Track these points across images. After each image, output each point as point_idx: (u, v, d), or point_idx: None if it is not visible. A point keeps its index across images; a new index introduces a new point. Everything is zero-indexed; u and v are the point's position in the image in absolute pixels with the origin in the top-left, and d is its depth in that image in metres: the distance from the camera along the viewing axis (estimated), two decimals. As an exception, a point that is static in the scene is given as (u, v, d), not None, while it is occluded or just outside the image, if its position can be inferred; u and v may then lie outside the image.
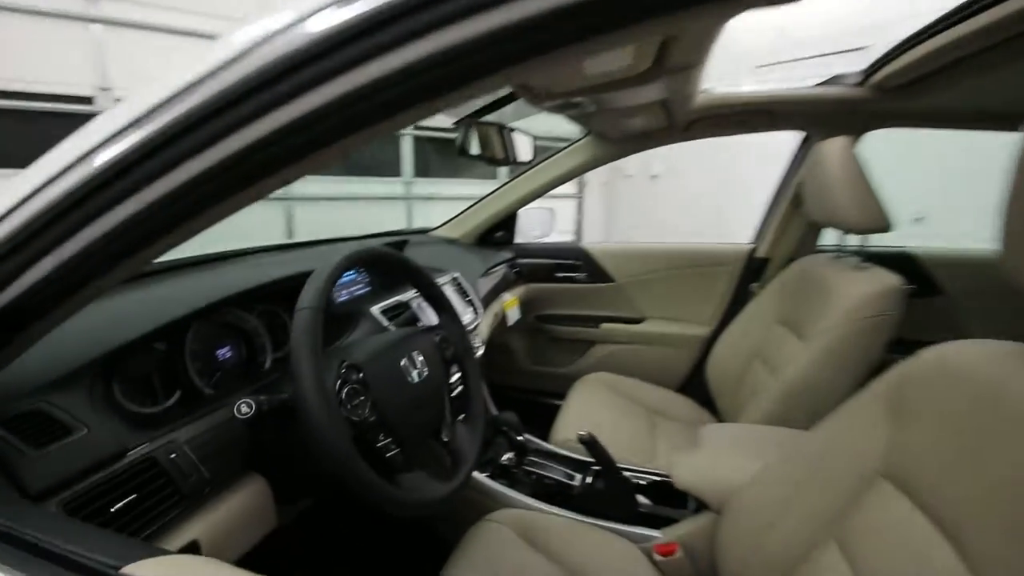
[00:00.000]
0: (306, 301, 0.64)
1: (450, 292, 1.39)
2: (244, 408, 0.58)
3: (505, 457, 1.32)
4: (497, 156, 1.19)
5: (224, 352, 0.93)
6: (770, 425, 1.20)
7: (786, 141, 1.75)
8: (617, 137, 1.67)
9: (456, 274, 1.45)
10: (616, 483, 1.13)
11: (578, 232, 6.33)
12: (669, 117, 1.43)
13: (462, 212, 2.00)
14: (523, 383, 2.17)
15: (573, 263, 2.01)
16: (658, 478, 1.24)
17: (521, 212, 2.03)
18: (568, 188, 6.21)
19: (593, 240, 1.94)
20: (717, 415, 1.63)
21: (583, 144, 1.77)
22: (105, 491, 0.55)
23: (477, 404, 0.92)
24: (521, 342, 2.16)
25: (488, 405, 1.50)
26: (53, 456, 0.54)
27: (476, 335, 1.43)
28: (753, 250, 1.82)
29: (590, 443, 1.08)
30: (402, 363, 0.77)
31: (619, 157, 1.76)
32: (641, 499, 1.19)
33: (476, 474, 1.21)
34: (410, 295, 1.06)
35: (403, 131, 5.02)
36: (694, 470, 1.10)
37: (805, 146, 1.70)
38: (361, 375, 0.70)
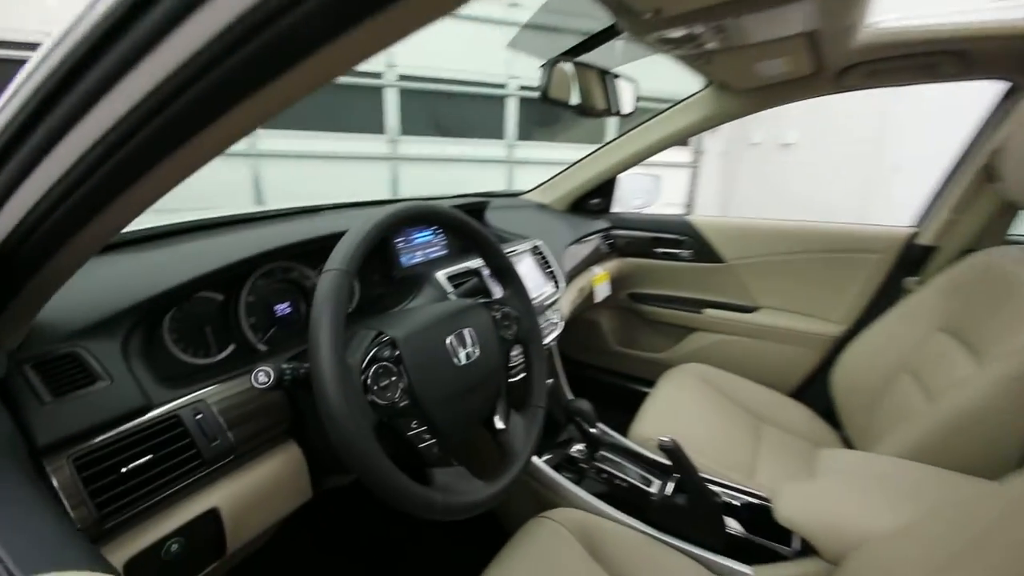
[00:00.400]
0: (334, 262, 0.55)
1: (529, 261, 1.25)
2: (261, 377, 0.51)
3: (575, 449, 1.19)
4: (592, 105, 1.01)
5: (283, 308, 0.89)
6: (919, 462, 0.94)
7: (968, 96, 1.34)
8: (746, 88, 1.39)
9: (539, 242, 1.31)
10: (702, 499, 0.95)
11: (689, 207, 5.83)
12: (818, 59, 1.13)
13: (555, 175, 1.84)
14: (606, 364, 2.00)
15: (677, 238, 1.77)
16: (756, 501, 1.04)
17: (622, 177, 1.82)
18: (681, 156, 5.67)
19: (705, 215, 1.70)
20: (842, 435, 1.34)
21: (702, 98, 1.50)
22: (120, 449, 0.52)
23: (538, 394, 0.79)
24: (609, 321, 1.98)
25: (563, 390, 1.37)
26: (69, 406, 0.51)
27: (555, 310, 1.29)
28: (914, 235, 1.45)
29: (673, 453, 0.91)
30: (448, 341, 0.66)
31: (746, 113, 1.47)
32: (731, 523, 1.00)
33: (538, 462, 1.10)
34: (481, 262, 0.94)
35: (508, 90, 4.89)
36: (806, 503, 0.88)
37: (1008, 101, 1.28)
38: (396, 352, 0.60)
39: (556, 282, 1.29)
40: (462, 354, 0.67)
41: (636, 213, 1.89)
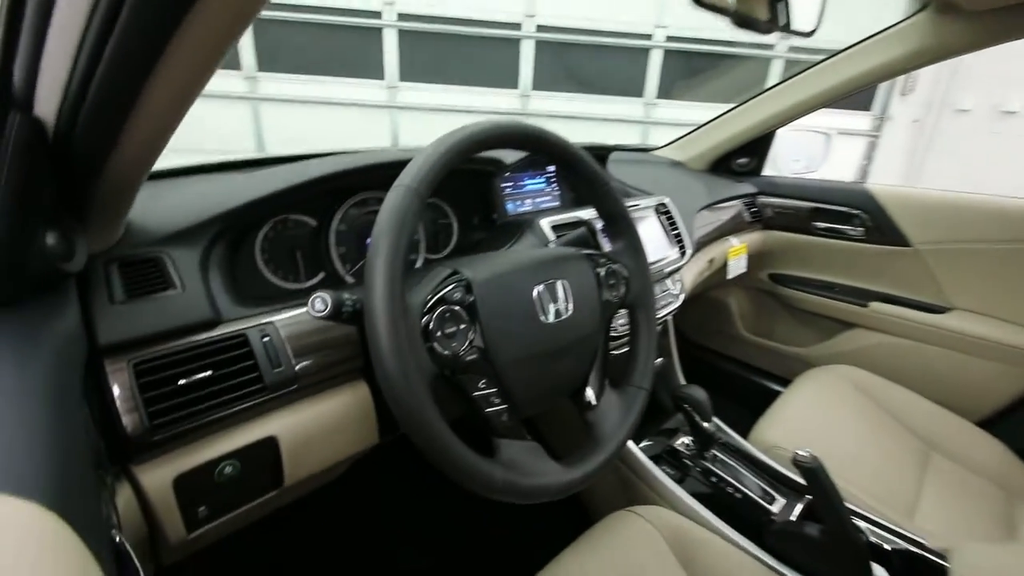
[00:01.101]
0: (403, 178, 0.46)
1: (652, 221, 1.08)
2: (318, 304, 0.45)
3: (681, 442, 1.03)
4: (753, 15, 0.78)
5: (374, 241, 0.85)
6: None
7: None
8: (983, 7, 1.02)
9: (665, 199, 1.12)
10: (842, 534, 0.74)
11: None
12: None
13: (695, 129, 1.59)
14: (730, 353, 1.74)
15: (846, 211, 1.43)
16: (917, 551, 0.80)
17: (781, 133, 1.51)
18: (856, 122, 4.73)
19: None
20: None
21: (909, 26, 1.14)
22: (181, 361, 0.50)
23: (642, 372, 0.65)
24: (740, 303, 1.72)
25: (675, 372, 1.19)
26: (138, 309, 0.50)
27: (677, 280, 1.11)
28: None
29: (813, 472, 0.71)
30: (535, 292, 0.55)
31: (974, 48, 1.09)
32: (878, 570, 0.78)
33: (635, 449, 0.96)
34: (593, 213, 0.80)
35: (653, 41, 4.45)
36: (1000, 571, 0.64)
37: None
38: (471, 297, 0.51)
39: (682, 247, 1.10)
40: (551, 310, 0.55)
41: (793, 178, 1.57)
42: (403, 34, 4.21)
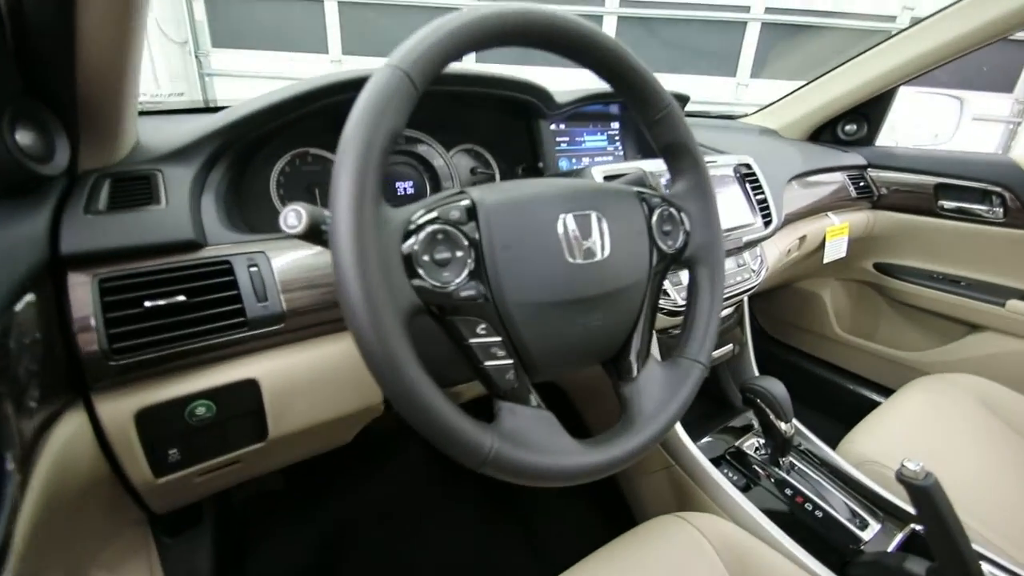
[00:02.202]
0: (393, 58, 0.36)
1: (730, 181, 0.92)
2: (291, 218, 0.37)
3: (750, 444, 0.87)
4: None
5: (406, 187, 0.77)
6: None
7: None
8: None
9: (748, 159, 0.95)
10: (952, 571, 0.56)
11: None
12: None
13: (791, 92, 1.37)
14: (820, 353, 1.51)
15: (984, 188, 1.17)
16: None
17: (904, 92, 1.26)
18: (993, 106, 4.01)
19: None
20: None
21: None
22: (153, 283, 0.44)
23: (699, 343, 0.51)
24: (836, 295, 1.48)
25: (749, 362, 1.02)
26: (111, 222, 0.45)
27: (757, 256, 0.94)
28: None
29: (925, 492, 0.54)
30: (560, 221, 0.43)
31: None
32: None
33: (693, 448, 0.82)
34: (661, 165, 0.65)
35: (752, 14, 4.05)
36: None
37: None
38: (473, 220, 0.40)
39: (767, 217, 0.93)
40: (580, 247, 0.43)
41: (914, 149, 1.32)
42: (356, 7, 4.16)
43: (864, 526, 0.73)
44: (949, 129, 1.33)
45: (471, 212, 0.41)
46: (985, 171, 1.17)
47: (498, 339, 0.40)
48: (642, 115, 0.53)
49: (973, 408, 0.94)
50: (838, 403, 1.41)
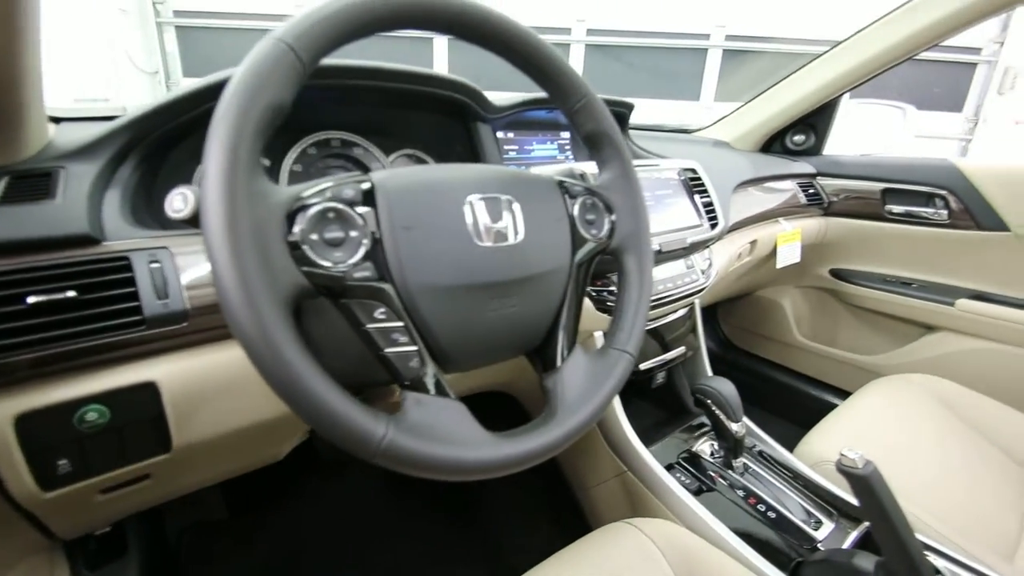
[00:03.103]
0: (278, 30, 0.35)
1: (676, 185, 0.92)
2: (177, 201, 0.35)
3: (703, 447, 0.86)
4: None
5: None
6: None
7: None
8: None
9: (694, 164, 0.96)
10: (904, 569, 0.55)
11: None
12: None
13: (743, 104, 1.41)
14: (782, 360, 1.51)
15: (928, 191, 1.20)
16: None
17: (846, 103, 1.31)
18: (942, 125, 4.20)
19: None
20: None
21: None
22: (39, 278, 0.42)
23: (627, 332, 0.50)
24: (795, 302, 1.49)
25: (703, 366, 1.01)
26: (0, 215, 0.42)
27: (706, 258, 0.95)
28: None
29: (863, 483, 0.53)
30: (467, 203, 0.42)
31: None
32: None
33: (644, 451, 0.80)
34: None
35: (711, 41, 4.22)
36: None
37: None
38: (370, 202, 0.38)
39: (713, 220, 0.93)
40: (490, 230, 0.42)
41: (860, 156, 1.36)
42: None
43: (818, 526, 0.72)
44: (895, 137, 1.38)
45: (369, 193, 0.39)
46: (928, 174, 1.20)
47: (399, 324, 0.38)
48: (561, 104, 0.52)
49: (928, 406, 0.94)
50: (800, 407, 1.41)
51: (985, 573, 0.64)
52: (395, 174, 0.42)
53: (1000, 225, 1.11)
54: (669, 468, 0.80)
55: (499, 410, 0.44)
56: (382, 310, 0.38)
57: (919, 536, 0.68)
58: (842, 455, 0.54)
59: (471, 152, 0.84)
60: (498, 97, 0.82)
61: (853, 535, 0.70)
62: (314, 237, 0.35)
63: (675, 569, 0.58)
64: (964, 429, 0.90)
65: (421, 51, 4.29)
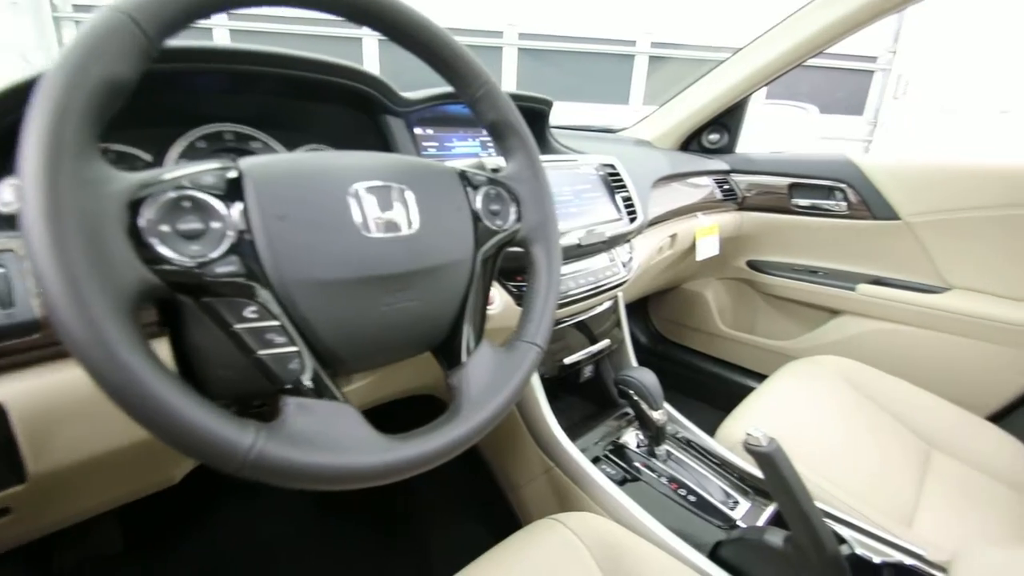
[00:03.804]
0: (121, 3, 0.32)
1: (594, 180, 0.94)
2: (6, 194, 0.30)
3: (628, 438, 0.87)
4: None
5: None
6: None
7: None
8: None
9: (612, 159, 0.98)
10: (808, 541, 0.57)
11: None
12: None
13: (661, 105, 1.46)
14: (711, 351, 1.58)
15: (828, 185, 1.29)
16: (911, 561, 0.64)
17: (755, 108, 1.38)
18: (846, 126, 4.60)
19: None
20: None
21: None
22: None
23: (535, 324, 0.50)
24: (718, 295, 1.56)
25: (628, 358, 1.03)
26: None
27: (627, 250, 0.96)
28: None
29: (767, 460, 0.55)
30: (353, 191, 0.40)
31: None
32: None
33: (570, 447, 0.80)
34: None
35: (637, 48, 4.38)
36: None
37: None
38: (237, 191, 0.35)
39: (632, 214, 0.95)
40: (378, 220, 0.40)
41: (769, 154, 1.44)
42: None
43: (735, 505, 0.74)
44: (800, 135, 1.48)
45: (236, 181, 0.36)
46: (828, 169, 1.29)
47: (274, 323, 0.35)
48: (462, 93, 0.51)
49: (834, 385, 1.00)
50: (723, 393, 1.47)
51: (885, 538, 0.68)
52: (267, 161, 0.39)
53: (892, 215, 1.21)
54: (596, 461, 0.80)
55: (432, 415, 0.41)
56: (253, 308, 0.35)
57: (824, 506, 0.71)
58: (748, 435, 0.56)
59: (384, 148, 0.81)
60: (413, 92, 0.80)
61: (768, 511, 0.73)
62: (165, 228, 0.32)
63: (599, 562, 0.58)
64: (866, 405, 0.97)
65: (350, 53, 4.18)
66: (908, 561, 0.63)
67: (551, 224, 0.54)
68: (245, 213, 0.35)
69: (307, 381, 0.36)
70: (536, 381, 0.82)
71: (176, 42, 0.37)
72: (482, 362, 0.46)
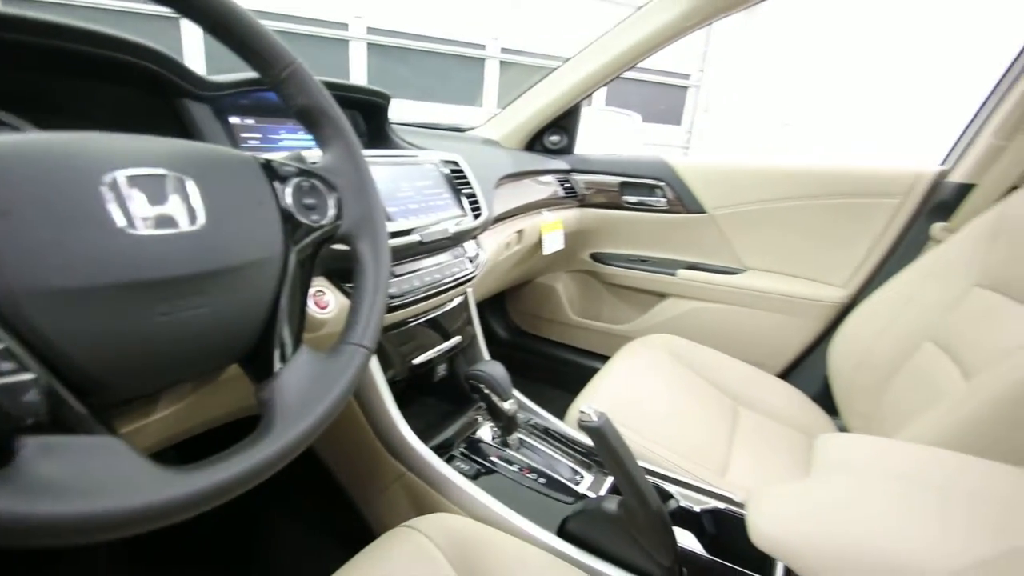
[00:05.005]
0: None
1: (436, 176, 0.93)
2: None
3: (482, 432, 0.88)
4: None
5: None
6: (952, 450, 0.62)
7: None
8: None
9: (456, 157, 0.98)
10: (635, 501, 0.62)
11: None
12: None
13: (507, 106, 1.51)
14: (562, 339, 1.68)
15: (650, 183, 1.45)
16: (723, 505, 0.74)
17: (587, 111, 1.50)
18: (668, 134, 5.30)
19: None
20: (840, 425, 1.04)
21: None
22: None
23: (364, 325, 0.47)
24: (567, 286, 1.67)
25: (480, 354, 1.05)
26: None
27: (475, 249, 0.97)
28: (944, 173, 1.14)
29: (596, 433, 0.59)
30: (108, 181, 0.33)
31: (739, 6, 1.15)
32: (684, 537, 0.69)
33: (422, 448, 0.78)
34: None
35: (488, 52, 4.52)
36: (792, 513, 0.57)
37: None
38: None
39: (475, 212, 0.96)
40: (146, 215, 0.33)
41: (603, 155, 1.57)
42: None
43: (580, 480, 0.79)
44: (626, 139, 1.64)
45: None
46: (649, 169, 1.45)
47: (10, 353, 0.28)
48: (265, 76, 0.46)
49: (662, 360, 1.12)
50: (575, 378, 1.57)
51: (704, 488, 0.77)
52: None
53: (700, 208, 1.40)
54: (450, 460, 0.80)
55: None
56: None
57: (654, 467, 0.80)
58: (580, 412, 0.60)
59: (185, 138, 0.70)
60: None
61: (608, 481, 0.79)
62: None
63: (453, 563, 0.57)
64: (687, 374, 1.11)
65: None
66: (722, 506, 0.73)
67: (376, 217, 0.52)
68: None
69: (50, 415, 0.29)
70: (383, 386, 0.79)
71: None
72: (299, 370, 0.42)
